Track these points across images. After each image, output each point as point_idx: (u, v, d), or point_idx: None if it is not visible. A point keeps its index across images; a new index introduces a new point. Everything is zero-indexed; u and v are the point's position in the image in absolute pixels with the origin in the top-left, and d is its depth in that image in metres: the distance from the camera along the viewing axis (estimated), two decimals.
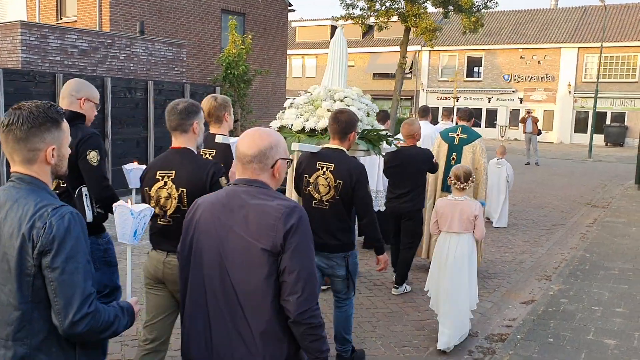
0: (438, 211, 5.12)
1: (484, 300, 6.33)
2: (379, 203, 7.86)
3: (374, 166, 7.85)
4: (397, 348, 5.07)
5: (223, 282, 2.26)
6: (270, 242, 2.19)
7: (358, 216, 4.27)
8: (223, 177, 3.34)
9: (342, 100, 5.96)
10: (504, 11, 43.47)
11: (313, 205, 4.17)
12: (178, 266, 2.49)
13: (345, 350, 4.51)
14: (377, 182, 8.04)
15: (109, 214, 3.35)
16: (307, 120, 5.67)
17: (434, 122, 10.81)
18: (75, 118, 3.53)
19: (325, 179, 4.10)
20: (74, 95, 3.61)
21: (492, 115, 41.35)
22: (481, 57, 41.76)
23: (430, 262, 5.91)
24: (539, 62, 39.58)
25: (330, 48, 6.58)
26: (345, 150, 4.25)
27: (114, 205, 2.51)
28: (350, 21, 20.57)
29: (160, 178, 3.32)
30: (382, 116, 7.76)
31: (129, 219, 2.44)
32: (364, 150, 5.61)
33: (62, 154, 2.13)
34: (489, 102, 41.41)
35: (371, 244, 4.62)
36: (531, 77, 39.80)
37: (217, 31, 20.18)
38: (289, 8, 23.22)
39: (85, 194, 3.54)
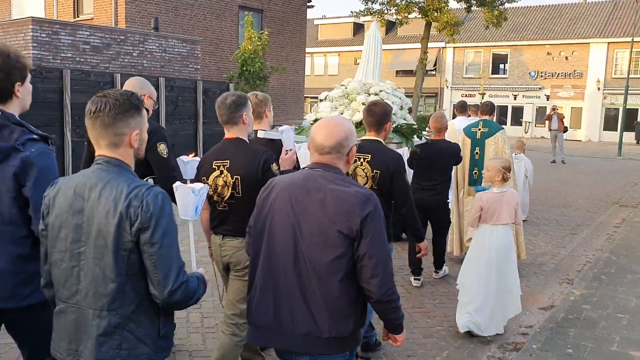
0: (484, 206, 5.06)
1: None
2: None
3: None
4: (401, 358, 4.70)
5: (296, 257, 2.42)
6: (346, 226, 2.35)
7: (396, 206, 4.29)
8: (274, 164, 3.56)
9: (376, 94, 6.02)
10: (530, 6, 42.52)
11: None
12: (248, 241, 2.67)
13: (371, 336, 4.56)
14: None
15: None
16: (342, 113, 5.79)
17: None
18: None
19: (363, 170, 4.15)
20: (138, 91, 3.66)
21: (518, 112, 40.50)
22: (507, 54, 40.93)
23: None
24: (566, 58, 38.62)
25: (364, 42, 6.75)
26: (382, 141, 4.31)
27: (175, 186, 2.63)
28: (369, 17, 20.13)
29: (216, 167, 3.55)
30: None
31: (190, 196, 2.58)
32: (397, 143, 5.73)
33: (142, 138, 2.29)
34: (515, 99, 40.59)
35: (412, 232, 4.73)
36: (558, 74, 38.86)
37: (235, 28, 19.93)
38: (308, 4, 22.87)
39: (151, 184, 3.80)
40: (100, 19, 17.56)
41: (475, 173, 7.11)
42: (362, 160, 4.16)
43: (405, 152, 7.12)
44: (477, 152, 6.96)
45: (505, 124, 40.11)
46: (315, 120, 5.69)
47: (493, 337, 5.08)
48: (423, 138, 6.09)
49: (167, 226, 2.12)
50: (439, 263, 6.66)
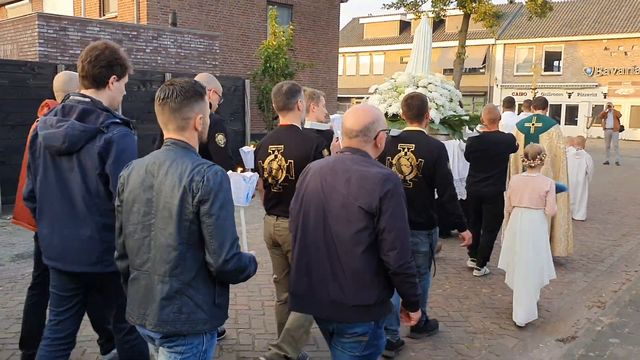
0: (511, 186, 5.20)
1: (508, 333, 4.91)
2: (460, 192, 7.88)
3: (451, 156, 8.41)
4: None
5: (325, 231, 2.65)
6: (367, 202, 2.55)
7: (439, 193, 4.35)
8: (325, 150, 3.74)
9: (425, 87, 6.14)
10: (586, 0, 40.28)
11: None
12: (290, 219, 2.91)
13: (420, 321, 4.40)
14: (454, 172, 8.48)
15: None
16: (390, 105, 5.89)
17: None
18: None
19: (407, 159, 4.27)
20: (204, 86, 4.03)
21: (572, 111, 38.43)
22: (560, 50, 38.87)
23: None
24: (625, 53, 36.39)
25: (414, 36, 6.99)
26: (424, 130, 4.43)
27: (228, 173, 2.68)
28: (402, 9, 19.02)
29: (271, 152, 3.75)
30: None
31: (241, 184, 2.83)
32: (444, 134, 5.82)
33: (205, 122, 2.50)
34: (569, 97, 38.54)
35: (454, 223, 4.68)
36: (617, 70, 36.67)
37: (262, 23, 19.14)
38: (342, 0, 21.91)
39: None
40: (124, 16, 17.15)
41: None
42: (406, 150, 4.29)
43: (457, 152, 7.37)
44: None
45: (559, 124, 38.09)
46: None
47: None
48: (475, 130, 6.20)
49: (224, 200, 2.30)
50: (482, 260, 6.50)
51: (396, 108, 5.71)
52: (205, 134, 2.54)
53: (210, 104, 4.14)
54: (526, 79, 38.32)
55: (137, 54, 13.19)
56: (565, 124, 37.50)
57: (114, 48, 2.94)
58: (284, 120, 3.83)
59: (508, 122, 8.97)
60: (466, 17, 17.61)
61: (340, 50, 51.30)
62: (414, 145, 4.28)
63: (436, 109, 6.39)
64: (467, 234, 4.56)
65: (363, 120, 2.72)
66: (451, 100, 6.33)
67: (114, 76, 2.93)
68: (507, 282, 5.27)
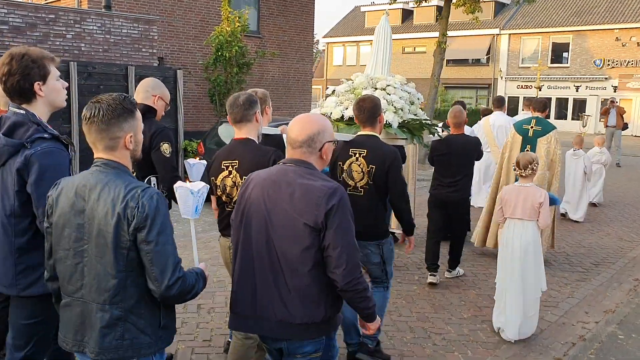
0: (503, 197, 5.04)
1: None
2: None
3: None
4: None
5: (269, 249, 2.57)
6: (312, 218, 2.47)
7: (391, 201, 4.19)
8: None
9: (384, 89, 5.95)
10: None
11: (348, 192, 3.75)
12: (232, 232, 2.81)
13: (373, 338, 4.27)
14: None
15: (173, 202, 3.62)
16: (347, 108, 5.70)
17: (514, 113, 10.88)
18: (148, 112, 3.88)
19: (359, 165, 4.11)
20: (149, 91, 4.03)
21: (580, 106, 36.36)
22: (568, 41, 36.74)
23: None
24: (638, 44, 34.35)
25: (374, 35, 6.72)
26: (378, 135, 4.25)
27: (175, 186, 2.83)
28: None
29: (225, 168, 3.58)
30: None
31: (189, 197, 2.77)
32: (403, 139, 5.74)
33: (137, 139, 2.41)
34: (577, 90, 36.52)
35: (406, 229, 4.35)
36: (628, 62, 34.63)
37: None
38: None
39: (154, 183, 3.87)
40: (67, 0, 15.50)
41: None
42: (357, 155, 4.12)
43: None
44: (527, 150, 6.66)
45: (566, 119, 36.23)
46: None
47: None
48: (436, 134, 6.19)
49: (162, 225, 2.24)
50: (453, 263, 6.42)
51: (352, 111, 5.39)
52: (138, 152, 2.43)
53: (156, 111, 4.06)
54: (532, 71, 36.39)
55: (55, 40, 11.53)
56: (572, 119, 35.52)
57: (20, 54, 2.72)
58: (239, 133, 3.63)
59: (497, 122, 8.86)
60: (447, 1, 15.73)
61: (341, 39, 49.99)
62: (365, 151, 4.11)
63: (394, 112, 5.99)
64: (412, 239, 4.40)
65: (308, 130, 2.64)
66: (412, 103, 6.10)
67: (37, 83, 2.75)
68: (495, 297, 5.07)
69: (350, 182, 4.14)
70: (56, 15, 11.63)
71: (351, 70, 45.74)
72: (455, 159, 6.05)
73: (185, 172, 4.05)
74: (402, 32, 42.80)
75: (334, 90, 6.17)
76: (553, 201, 5.25)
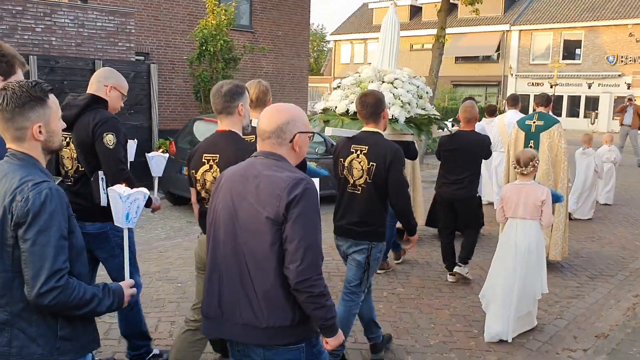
0: (504, 197, 4.87)
1: None
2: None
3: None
4: None
5: (235, 247, 2.38)
6: (273, 211, 2.28)
7: (390, 200, 4.01)
8: None
9: (391, 82, 5.81)
10: None
11: (347, 189, 4.07)
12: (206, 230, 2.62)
13: (377, 336, 4.21)
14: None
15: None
16: (352, 102, 5.46)
17: (524, 111, 10.68)
18: (95, 102, 3.68)
19: (359, 162, 4.00)
20: (101, 81, 3.76)
21: (593, 103, 35.26)
22: (580, 37, 35.68)
23: None
24: None
25: (381, 28, 6.56)
26: (381, 132, 4.11)
27: (108, 189, 2.68)
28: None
29: (205, 161, 3.36)
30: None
31: (118, 202, 2.53)
32: (410, 134, 5.62)
33: (51, 130, 2.20)
34: (589, 88, 35.54)
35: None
36: None
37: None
38: None
39: (102, 178, 3.63)
40: None
41: None
42: (359, 152, 4.00)
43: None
44: (530, 146, 6.46)
45: (578, 116, 35.20)
46: (325, 110, 5.85)
47: None
48: (446, 129, 6.05)
49: (45, 224, 2.03)
50: (464, 256, 6.14)
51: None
52: (54, 142, 2.23)
53: (106, 102, 3.76)
54: (543, 68, 35.54)
55: (23, 34, 10.91)
56: (584, 117, 34.50)
57: None
58: (221, 125, 3.40)
59: (511, 121, 8.37)
60: None
61: (348, 37, 49.16)
62: (366, 148, 3.99)
63: (401, 106, 5.73)
64: (414, 238, 4.21)
65: (276, 120, 2.44)
66: (420, 97, 5.90)
67: None
68: (480, 295, 4.96)
69: (350, 180, 4.04)
70: (24, 7, 11.01)
71: (358, 68, 44.53)
72: (462, 155, 5.89)
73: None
74: (411, 28, 41.89)
75: (340, 84, 6.04)
76: (555, 199, 5.05)
